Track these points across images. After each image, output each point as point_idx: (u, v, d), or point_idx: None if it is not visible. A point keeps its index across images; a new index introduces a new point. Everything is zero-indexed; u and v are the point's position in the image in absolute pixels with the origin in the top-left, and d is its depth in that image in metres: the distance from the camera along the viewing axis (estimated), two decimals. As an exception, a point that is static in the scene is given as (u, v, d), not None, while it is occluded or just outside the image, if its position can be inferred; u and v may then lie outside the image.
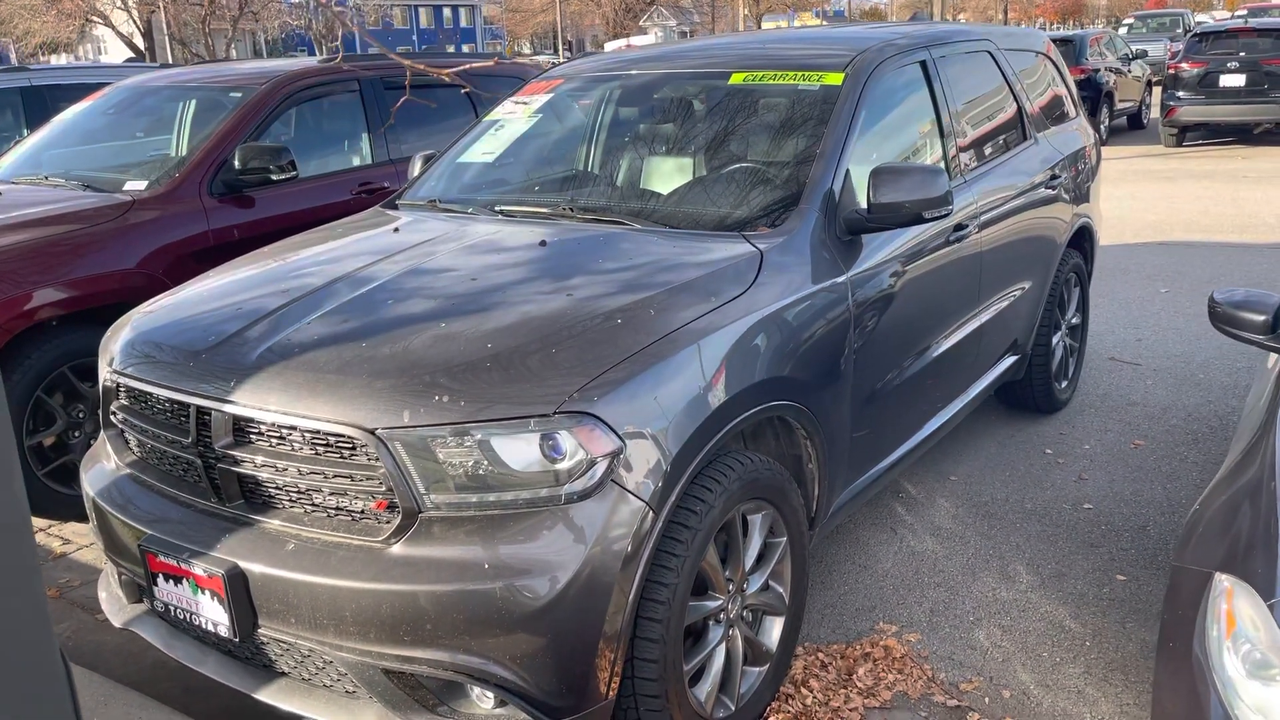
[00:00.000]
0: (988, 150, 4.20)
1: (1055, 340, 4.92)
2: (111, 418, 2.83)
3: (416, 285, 2.79)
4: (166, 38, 37.39)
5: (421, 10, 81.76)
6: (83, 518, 4.19)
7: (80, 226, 4.28)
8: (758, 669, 2.85)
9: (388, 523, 2.31)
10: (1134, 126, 19.34)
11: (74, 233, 4.24)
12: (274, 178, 4.75)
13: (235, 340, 2.58)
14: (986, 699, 2.96)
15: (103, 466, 2.85)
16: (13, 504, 1.17)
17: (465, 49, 76.59)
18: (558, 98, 4.00)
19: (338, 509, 2.37)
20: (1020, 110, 4.62)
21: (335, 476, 2.33)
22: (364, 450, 2.29)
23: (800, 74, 3.53)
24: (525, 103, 4.01)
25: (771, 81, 3.54)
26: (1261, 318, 2.77)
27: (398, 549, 2.27)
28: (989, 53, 4.50)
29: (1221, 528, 2.17)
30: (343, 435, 2.30)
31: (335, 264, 3.00)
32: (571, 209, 3.33)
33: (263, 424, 2.40)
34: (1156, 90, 20.27)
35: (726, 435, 2.54)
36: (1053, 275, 4.70)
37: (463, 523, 2.27)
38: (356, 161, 5.54)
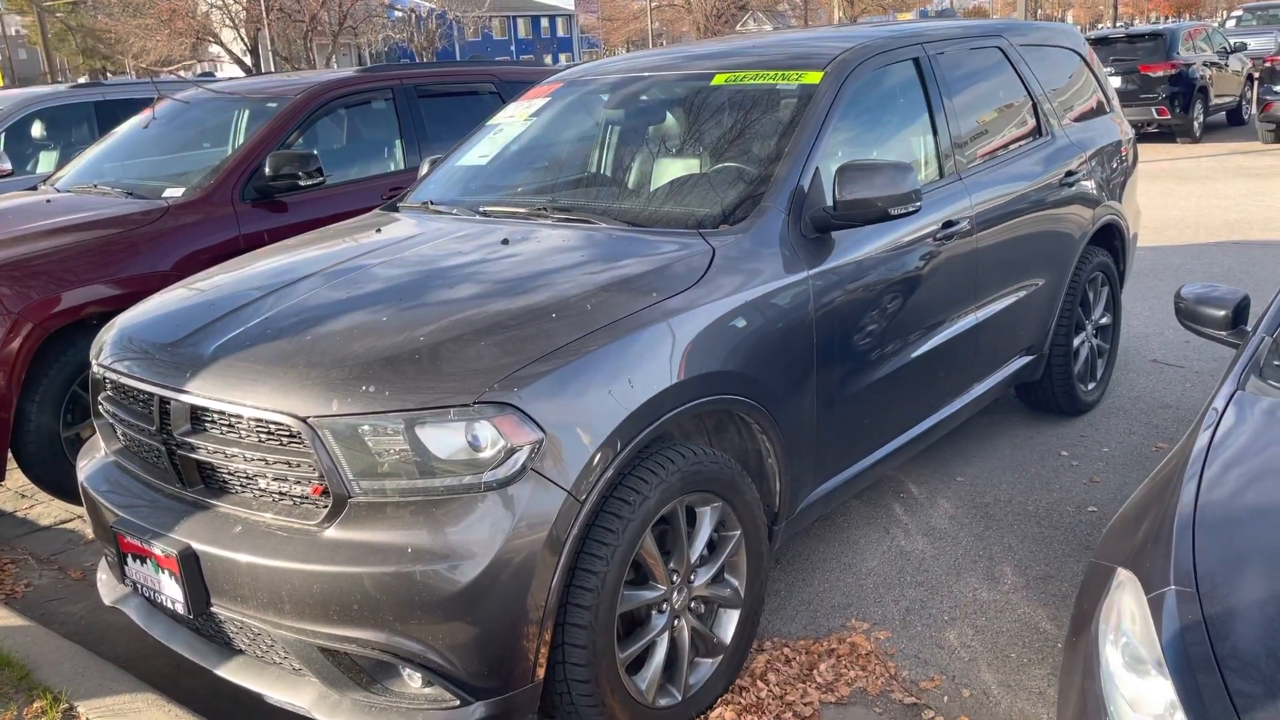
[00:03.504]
0: (991, 147, 4.15)
1: (1078, 341, 4.81)
2: (100, 408, 3.02)
3: (371, 282, 2.91)
4: (271, 54, 38.83)
5: (519, 21, 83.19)
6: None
7: (118, 230, 4.54)
8: (710, 660, 2.89)
9: (323, 507, 2.42)
10: (1234, 122, 18.58)
11: (112, 236, 4.51)
12: (302, 183, 4.96)
13: (198, 334, 2.73)
14: (945, 698, 2.93)
15: (94, 455, 3.05)
16: None
17: (563, 58, 77.64)
18: (553, 102, 4.09)
19: (281, 494, 2.49)
20: (1036, 107, 4.54)
21: (277, 462, 2.46)
22: (299, 437, 2.41)
23: (780, 74, 3.55)
24: (525, 106, 4.11)
25: (751, 82, 3.57)
26: (1222, 313, 2.71)
27: (330, 533, 2.39)
28: (999, 49, 4.43)
29: (1133, 523, 2.14)
30: (280, 423, 2.42)
31: (308, 263, 3.15)
32: (547, 209, 3.42)
33: (214, 412, 2.55)
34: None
35: (659, 428, 2.58)
36: (1070, 274, 4.60)
37: (388, 508, 2.36)
38: (390, 167, 5.73)
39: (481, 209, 3.56)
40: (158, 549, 2.57)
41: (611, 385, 2.49)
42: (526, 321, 2.56)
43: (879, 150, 3.65)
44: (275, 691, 2.55)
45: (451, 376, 2.39)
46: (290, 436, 2.43)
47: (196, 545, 2.51)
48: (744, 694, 2.95)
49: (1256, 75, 20.11)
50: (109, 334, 3.02)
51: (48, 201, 4.95)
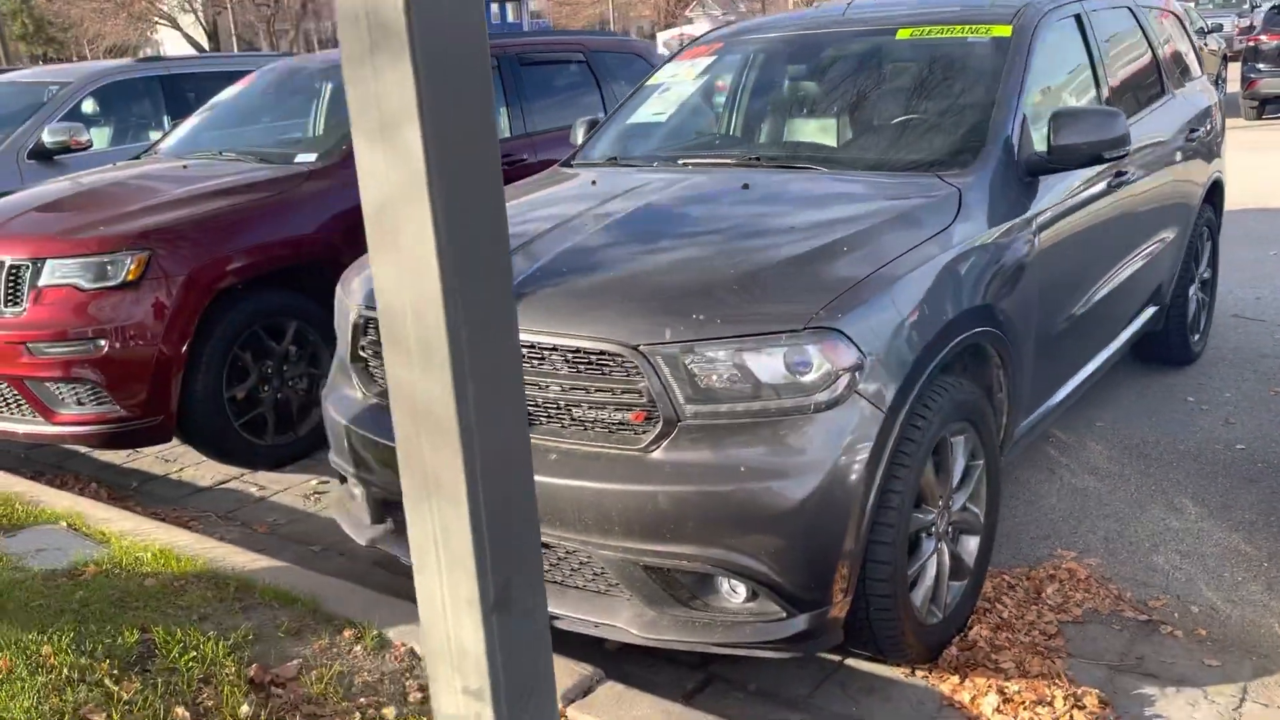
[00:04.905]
0: (1136, 102, 4.32)
1: (1191, 292, 5.02)
2: (360, 352, 3.07)
3: (643, 223, 3.00)
4: (234, 39, 38.23)
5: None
6: (277, 465, 4.50)
7: (267, 195, 4.56)
8: (959, 583, 3.02)
9: (644, 432, 2.52)
10: (1211, 101, 19.07)
11: (262, 200, 4.52)
12: (432, 148, 4.99)
13: (489, 273, 2.80)
14: (1176, 614, 3.10)
15: (350, 398, 3.10)
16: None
17: (517, 44, 77.06)
18: (721, 59, 4.19)
19: (594, 421, 2.58)
20: (1158, 65, 4.72)
21: (596, 391, 2.55)
22: (625, 365, 2.50)
23: (967, 27, 3.68)
24: (689, 65, 4.21)
25: (939, 35, 3.70)
26: None
27: (658, 454, 2.48)
28: (1130, 9, 4.61)
29: None
30: (605, 352, 2.51)
31: (555, 208, 3.22)
32: (759, 158, 3.52)
33: (524, 346, 2.62)
34: (1230, 65, 20.11)
35: (946, 356, 2.71)
36: (1191, 227, 4.80)
37: (719, 430, 2.47)
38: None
39: (682, 161, 3.65)
40: (466, 480, 2.64)
41: (912, 314, 2.62)
42: (824, 255, 2.68)
43: (1061, 100, 3.80)
44: (580, 613, 2.64)
45: (776, 304, 2.50)
46: (616, 365, 2.51)
47: (511, 474, 2.58)
48: (988, 615, 3.09)
49: (1228, 54, 20.83)
50: (365, 280, 3.06)
51: (184, 168, 4.94)
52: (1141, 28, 4.65)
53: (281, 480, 4.41)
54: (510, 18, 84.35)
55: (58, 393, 4.09)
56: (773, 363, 2.45)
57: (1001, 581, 3.29)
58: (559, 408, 2.62)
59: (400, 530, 3.05)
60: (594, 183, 3.54)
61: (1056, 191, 3.45)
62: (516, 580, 1.39)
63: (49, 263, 4.06)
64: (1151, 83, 4.61)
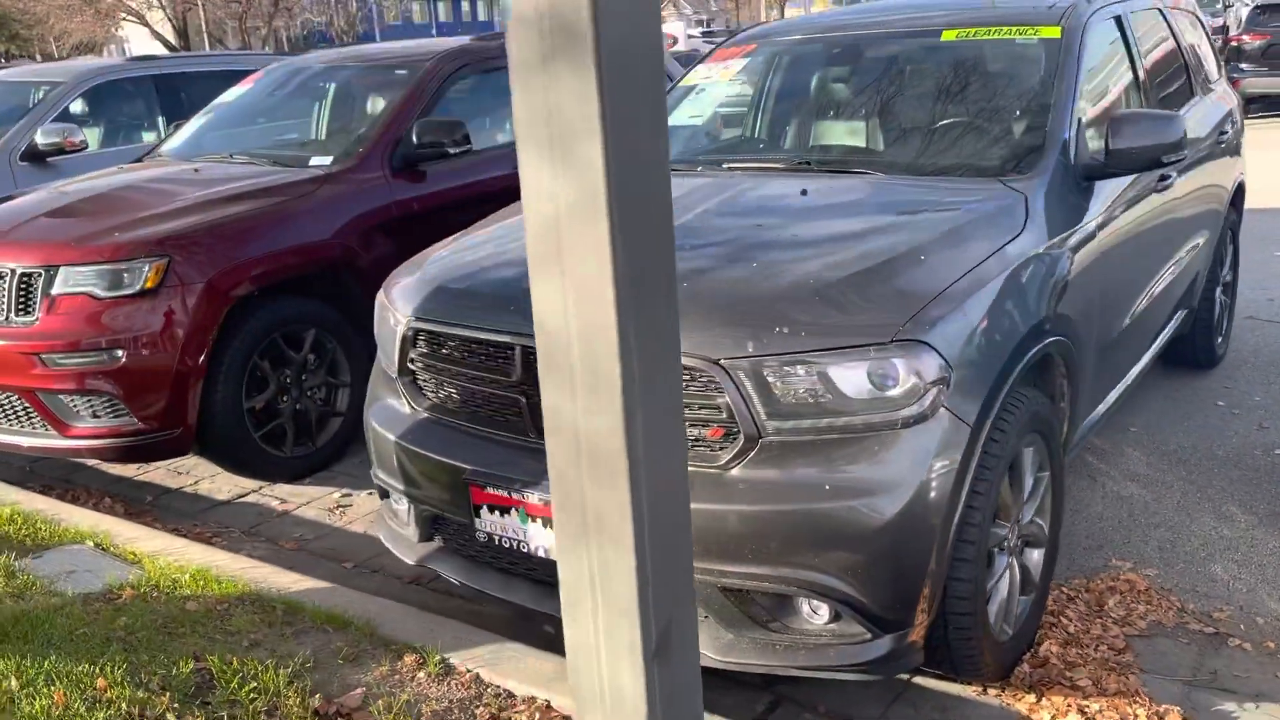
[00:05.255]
0: (1174, 104, 4.28)
1: (1216, 294, 4.99)
2: (408, 365, 2.95)
3: (707, 230, 2.90)
4: (205, 36, 37.73)
5: (440, 4, 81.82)
6: (295, 478, 4.36)
7: (283, 199, 4.42)
8: (1026, 597, 2.95)
9: (722, 448, 2.43)
10: (1191, 101, 19.24)
11: (278, 205, 4.38)
12: (450, 151, 4.87)
13: (552, 283, 2.70)
14: (1241, 625, 3.05)
15: (397, 412, 2.98)
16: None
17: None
18: (755, 60, 4.10)
19: (669, 438, 2.48)
20: (1187, 67, 4.69)
21: (672, 406, 2.45)
22: (703, 380, 2.41)
23: (1014, 28, 3.61)
24: (722, 66, 4.11)
25: (986, 36, 3.63)
26: None
27: (737, 472, 2.39)
28: (1159, 10, 4.57)
29: None
30: (688, 366, 2.41)
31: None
32: (808, 162, 3.44)
33: (594, 359, 2.52)
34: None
35: (1024, 367, 2.64)
36: (1220, 229, 4.77)
37: (801, 446, 2.38)
38: (500, 139, 5.65)
39: (726, 165, 3.56)
40: (532, 498, 2.54)
41: (994, 325, 2.54)
42: (904, 263, 2.60)
43: (1109, 103, 3.74)
44: (652, 638, 2.55)
45: (860, 315, 2.42)
46: (693, 379, 2.42)
47: (581, 493, 2.48)
48: (1054, 630, 3.02)
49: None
50: (417, 290, 2.95)
51: (195, 171, 4.78)
52: (1170, 28, 4.61)
53: (302, 493, 4.28)
54: (481, 16, 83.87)
55: (72, 405, 3.94)
56: (858, 376, 2.37)
57: (1060, 595, 3.22)
58: (630, 423, 2.52)
59: (450, 548, 2.94)
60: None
61: (1109, 195, 3.39)
62: (675, 624, 1.30)
63: (62, 270, 3.91)
64: (1184, 84, 4.57)
